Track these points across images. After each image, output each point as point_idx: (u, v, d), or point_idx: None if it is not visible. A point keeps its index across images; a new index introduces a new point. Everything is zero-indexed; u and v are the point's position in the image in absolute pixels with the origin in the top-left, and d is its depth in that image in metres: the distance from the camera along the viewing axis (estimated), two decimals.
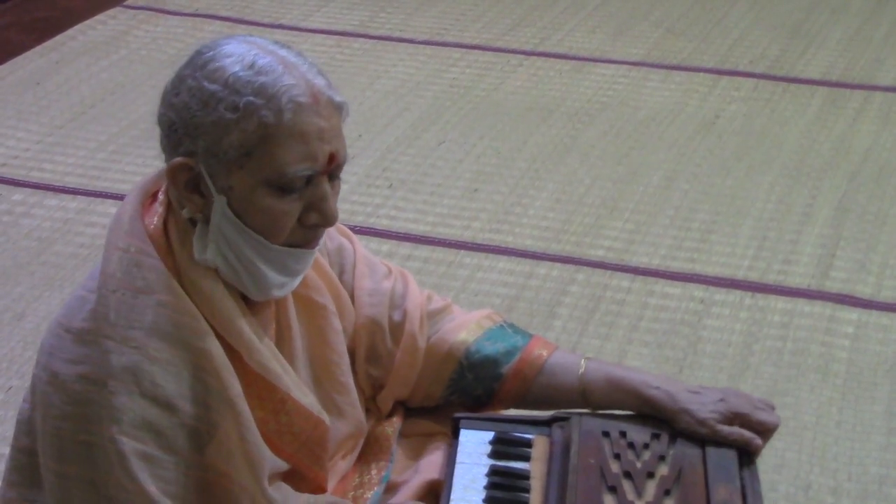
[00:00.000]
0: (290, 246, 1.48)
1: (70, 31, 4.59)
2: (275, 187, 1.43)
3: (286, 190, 1.44)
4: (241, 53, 1.43)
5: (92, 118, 3.94)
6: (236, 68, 1.41)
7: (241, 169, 1.42)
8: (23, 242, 3.26)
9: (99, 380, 1.42)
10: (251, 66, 1.41)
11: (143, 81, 4.16)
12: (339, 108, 1.47)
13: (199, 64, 1.44)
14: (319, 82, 1.45)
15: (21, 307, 2.99)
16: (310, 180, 1.45)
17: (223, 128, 1.41)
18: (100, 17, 4.72)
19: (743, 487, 1.57)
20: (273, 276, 1.49)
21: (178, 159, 1.44)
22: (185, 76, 1.44)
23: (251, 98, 1.40)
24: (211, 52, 1.44)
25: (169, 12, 4.76)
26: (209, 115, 1.41)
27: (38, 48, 4.44)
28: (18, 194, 3.49)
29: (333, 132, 1.45)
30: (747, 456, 1.63)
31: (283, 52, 1.46)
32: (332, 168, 1.47)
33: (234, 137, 1.41)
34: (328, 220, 1.48)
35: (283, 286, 1.52)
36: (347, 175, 3.51)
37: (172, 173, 1.45)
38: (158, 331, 1.43)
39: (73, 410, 1.43)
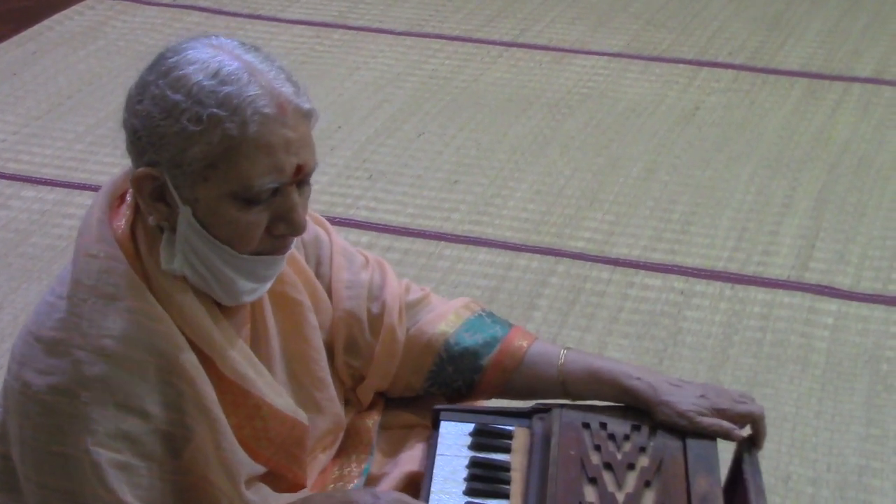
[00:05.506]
0: (259, 254, 1.46)
1: (47, 22, 4.55)
2: (241, 199, 1.40)
3: (252, 202, 1.41)
4: (205, 60, 1.39)
5: (69, 109, 3.91)
6: (199, 77, 1.37)
7: (206, 181, 1.40)
8: None
9: (70, 391, 1.40)
10: (215, 75, 1.37)
11: (120, 72, 4.14)
12: (307, 116, 1.43)
13: (162, 70, 1.40)
14: (287, 90, 1.41)
15: None
16: (277, 191, 1.42)
17: (186, 139, 1.37)
18: (77, 7, 4.68)
19: (745, 482, 1.58)
20: (243, 283, 1.48)
21: (142, 169, 1.41)
22: (149, 82, 1.40)
23: (215, 110, 1.36)
24: (175, 58, 1.40)
25: (147, 3, 4.73)
26: (172, 126, 1.37)
27: (16, 38, 4.41)
28: None
29: (301, 142, 1.42)
30: (748, 448, 1.64)
31: (249, 58, 1.41)
32: (300, 178, 1.44)
33: (198, 149, 1.38)
34: (296, 230, 1.46)
35: (253, 292, 1.51)
36: (327, 166, 3.52)
37: (137, 183, 1.42)
38: (130, 338, 1.42)
39: (46, 422, 1.41)
